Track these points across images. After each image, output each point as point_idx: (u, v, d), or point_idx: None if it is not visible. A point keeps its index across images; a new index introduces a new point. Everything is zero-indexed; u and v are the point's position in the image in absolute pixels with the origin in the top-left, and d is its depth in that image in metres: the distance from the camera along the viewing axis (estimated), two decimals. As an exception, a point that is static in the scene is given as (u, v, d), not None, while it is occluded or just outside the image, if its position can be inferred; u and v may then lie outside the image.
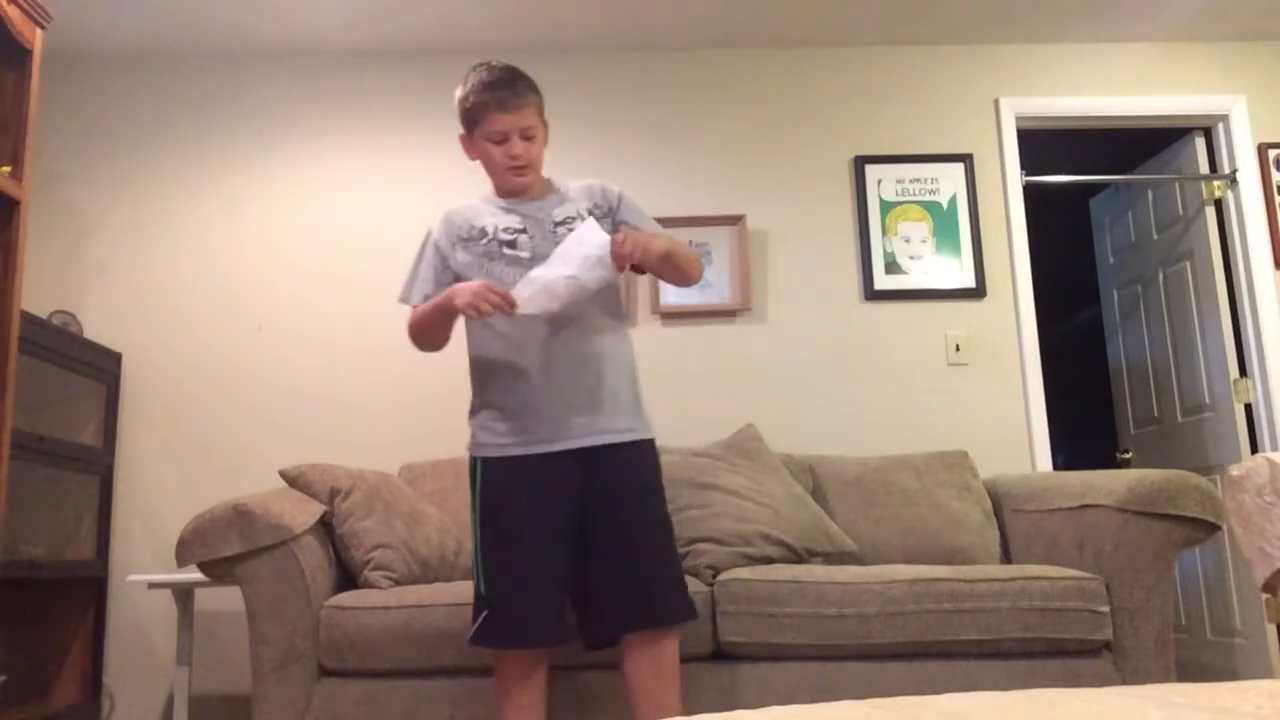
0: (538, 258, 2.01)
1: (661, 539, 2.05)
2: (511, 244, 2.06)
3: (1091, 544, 2.46)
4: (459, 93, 2.09)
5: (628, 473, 2.04)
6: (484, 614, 1.97)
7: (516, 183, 2.10)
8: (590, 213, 2.10)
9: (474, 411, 2.10)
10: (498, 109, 2.02)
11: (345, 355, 3.44)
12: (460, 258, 2.08)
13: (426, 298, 2.08)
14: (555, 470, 1.99)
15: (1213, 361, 3.78)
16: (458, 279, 2.05)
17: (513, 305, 1.90)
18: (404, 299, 2.14)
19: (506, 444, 2.01)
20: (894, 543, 2.85)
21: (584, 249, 1.92)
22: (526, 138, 2.06)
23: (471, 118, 2.06)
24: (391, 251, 3.51)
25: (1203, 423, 3.83)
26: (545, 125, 2.13)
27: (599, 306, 2.06)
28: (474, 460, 2.06)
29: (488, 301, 1.89)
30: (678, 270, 2.11)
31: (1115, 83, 3.72)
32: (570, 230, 2.05)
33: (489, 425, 2.04)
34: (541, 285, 1.91)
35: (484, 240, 2.07)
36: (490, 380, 2.06)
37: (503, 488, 2.01)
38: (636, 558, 1.99)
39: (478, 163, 2.14)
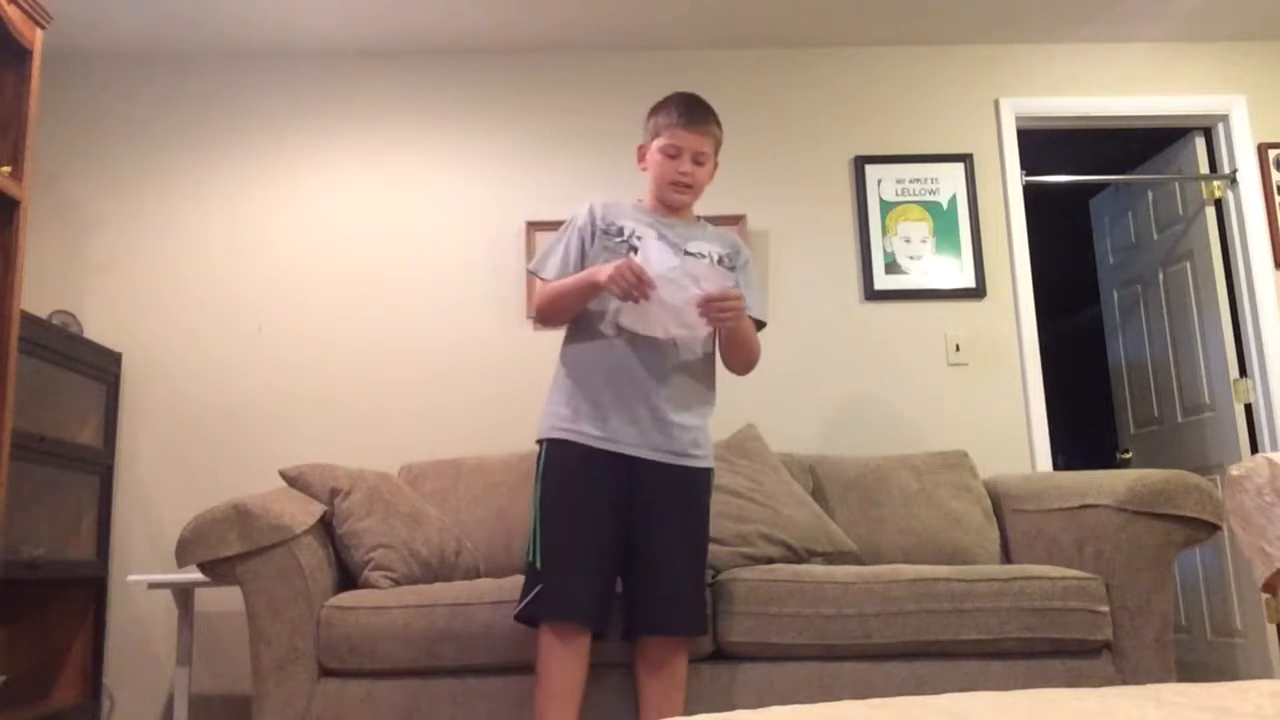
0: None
1: (692, 559, 2.15)
2: (638, 250, 2.14)
3: (1091, 544, 2.46)
4: (654, 109, 2.23)
5: (671, 491, 2.13)
6: (536, 589, 2.03)
7: (674, 198, 2.22)
8: (720, 258, 2.22)
9: (553, 391, 2.17)
10: (682, 126, 2.17)
11: (345, 355, 3.44)
12: (593, 248, 2.18)
13: (559, 276, 2.16)
14: (612, 467, 2.07)
15: (1213, 361, 3.78)
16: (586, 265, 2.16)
17: (649, 288, 1.97)
18: (537, 270, 2.22)
19: (567, 429, 2.10)
20: (894, 543, 2.85)
21: (703, 280, 2.00)
22: (698, 161, 2.19)
23: (656, 129, 2.21)
24: (392, 251, 3.53)
25: (1203, 423, 3.83)
26: (717, 163, 2.26)
27: (708, 355, 2.21)
28: (541, 441, 2.14)
29: (625, 279, 1.95)
30: (743, 356, 2.22)
31: (1115, 83, 3.72)
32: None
33: (558, 410, 2.13)
34: (677, 278, 1.98)
35: (617, 239, 2.17)
36: (575, 369, 2.14)
37: (565, 471, 2.09)
38: (665, 569, 2.09)
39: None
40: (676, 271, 1.99)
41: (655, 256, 2.02)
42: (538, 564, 2.05)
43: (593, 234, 2.19)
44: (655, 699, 2.09)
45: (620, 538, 2.08)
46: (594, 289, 2.05)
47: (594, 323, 2.14)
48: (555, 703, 2.00)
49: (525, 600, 2.06)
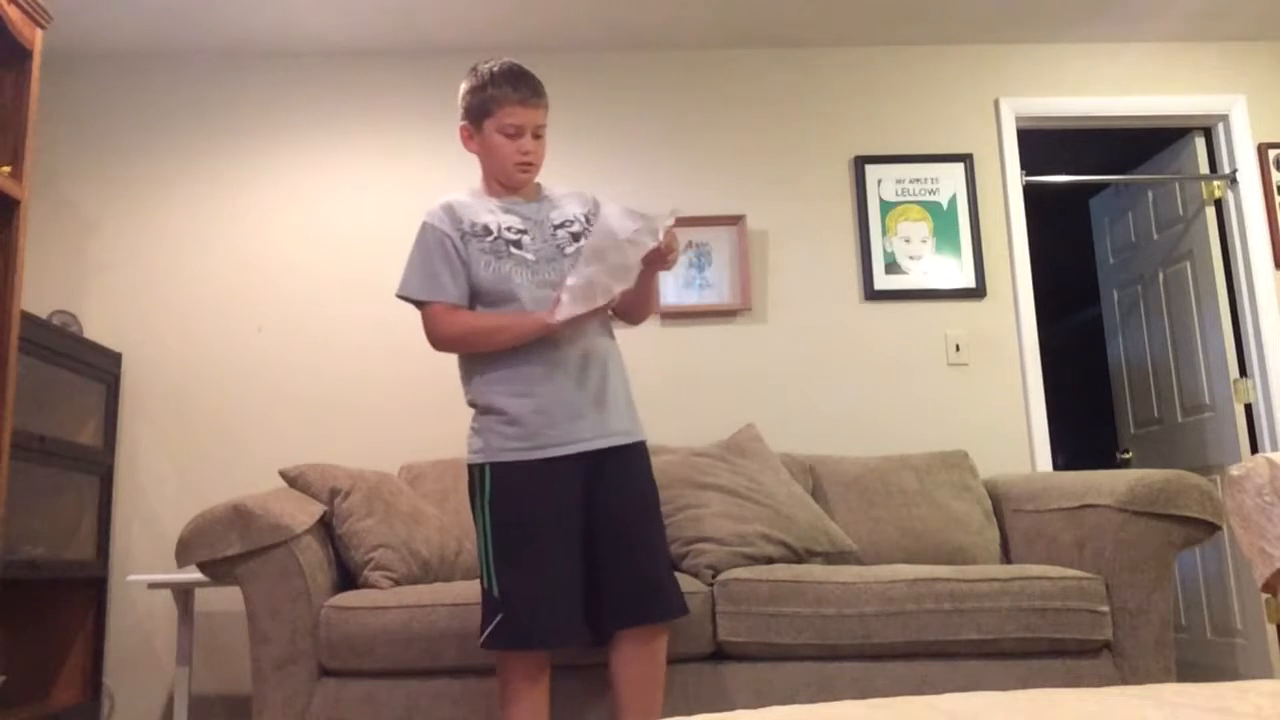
0: (541, 260, 2.05)
1: (659, 539, 2.09)
2: (517, 244, 2.06)
3: (1091, 544, 2.46)
4: (469, 83, 2.09)
5: (629, 475, 2.07)
6: (498, 617, 1.95)
7: (520, 179, 2.11)
8: (586, 217, 2.15)
9: (479, 414, 2.07)
10: (519, 103, 2.04)
11: (345, 355, 3.44)
12: (468, 253, 2.06)
13: (459, 294, 2.06)
14: (564, 473, 1.99)
15: (1213, 361, 3.78)
16: (468, 273, 2.06)
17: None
18: (429, 296, 2.06)
19: (517, 448, 2.00)
20: (894, 543, 2.85)
21: (615, 238, 1.91)
22: (537, 136, 2.09)
23: (484, 108, 2.06)
24: (392, 251, 3.52)
25: (1203, 423, 3.83)
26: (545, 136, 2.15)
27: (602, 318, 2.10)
28: (480, 466, 2.03)
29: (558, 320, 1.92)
30: (652, 303, 2.20)
31: (1115, 83, 3.72)
32: (570, 232, 2.09)
33: (497, 429, 2.02)
34: (583, 285, 1.91)
35: (489, 238, 2.06)
36: (498, 383, 2.04)
37: (514, 492, 1.99)
38: (638, 556, 2.02)
39: (477, 165, 2.15)
40: (641, 233, 1.90)
41: (618, 223, 1.90)
42: (495, 592, 1.96)
43: (461, 236, 2.06)
44: (641, 688, 2.01)
45: (580, 544, 1.99)
46: (544, 332, 1.96)
47: None
48: (530, 716, 1.97)
49: (488, 630, 1.96)
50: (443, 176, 3.56)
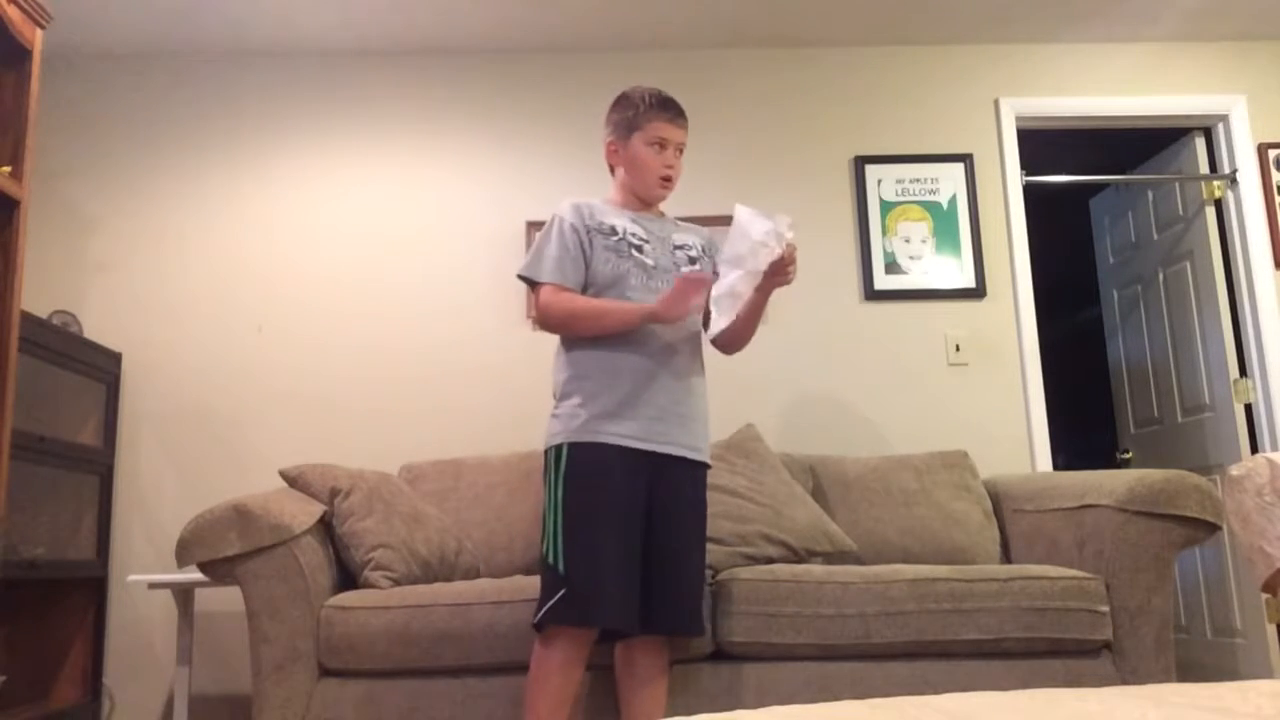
0: (660, 269, 2.17)
1: (698, 560, 2.17)
2: (639, 249, 2.17)
3: (1091, 544, 2.46)
4: (620, 104, 2.24)
5: (689, 489, 2.15)
6: (561, 593, 1.99)
7: (659, 193, 2.24)
8: (703, 248, 2.28)
9: (563, 400, 2.13)
10: (667, 120, 2.20)
11: (345, 356, 3.44)
12: (593, 249, 2.15)
13: (572, 278, 2.13)
14: (636, 467, 2.06)
15: (1213, 361, 3.78)
16: (587, 265, 2.15)
17: (704, 285, 1.99)
18: (538, 276, 2.15)
19: (599, 429, 2.06)
20: (894, 543, 2.85)
21: (749, 241, 1.97)
22: (679, 154, 2.23)
23: (634, 123, 2.20)
24: (392, 251, 3.52)
25: (1203, 423, 3.83)
26: None
27: (697, 332, 2.21)
28: (559, 446, 2.09)
29: (690, 299, 1.99)
30: (754, 328, 2.27)
31: (1115, 83, 3.72)
32: (689, 255, 2.23)
33: (580, 413, 2.08)
34: (727, 295, 1.99)
35: (614, 237, 2.16)
36: (594, 369, 2.11)
37: (589, 471, 2.05)
38: (683, 570, 2.10)
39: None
40: (771, 235, 1.97)
41: (749, 221, 1.98)
42: (560, 568, 2.00)
43: (587, 231, 2.16)
44: (648, 699, 2.09)
45: (640, 537, 2.07)
46: (651, 319, 2.05)
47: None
48: (556, 708, 1.99)
49: (549, 605, 2.00)
50: (444, 176, 3.56)
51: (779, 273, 2.06)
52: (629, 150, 2.21)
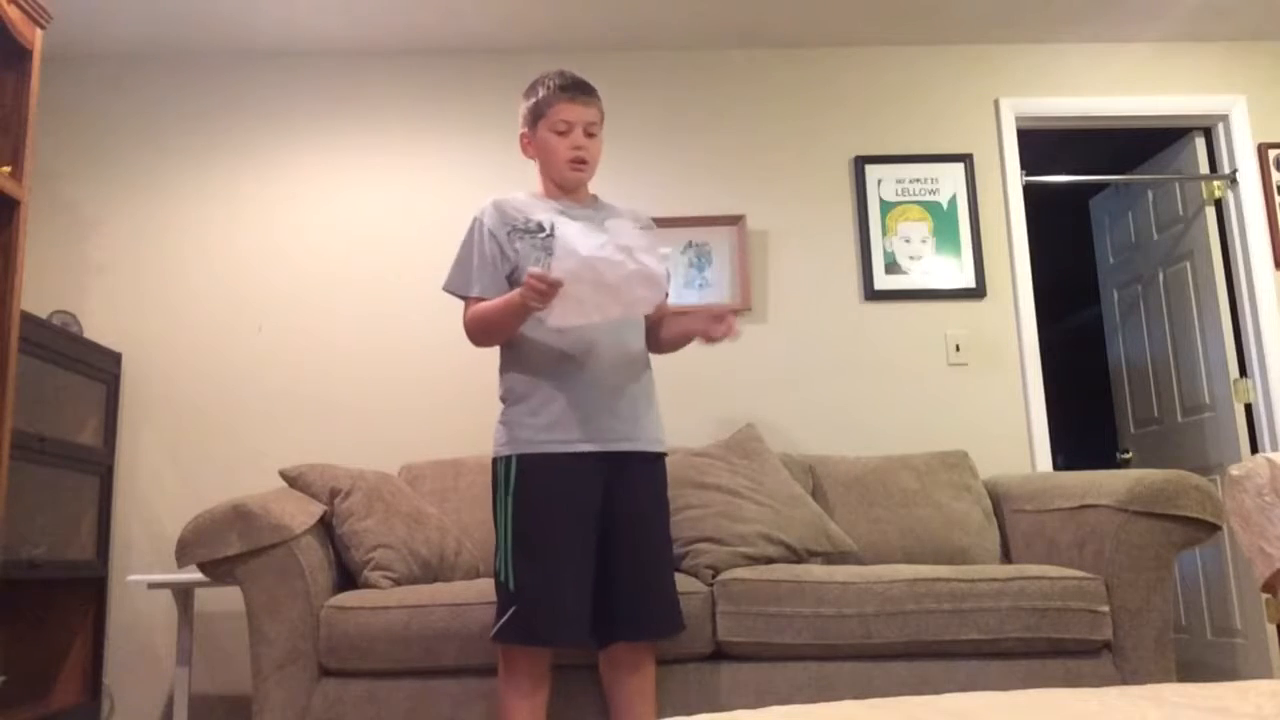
0: None
1: (668, 553, 2.13)
2: None
3: (1091, 544, 2.46)
4: (528, 93, 2.16)
5: (650, 484, 2.10)
6: (511, 610, 1.96)
7: (574, 176, 2.15)
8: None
9: (509, 407, 2.08)
10: (568, 100, 2.11)
11: (345, 355, 3.44)
12: (517, 247, 2.08)
13: (490, 289, 2.06)
14: (587, 471, 2.00)
15: (1213, 361, 3.78)
16: (514, 269, 2.07)
17: (557, 286, 1.83)
18: (460, 290, 2.10)
19: (545, 440, 2.00)
20: (894, 543, 2.85)
21: (636, 250, 1.87)
22: (589, 134, 2.14)
23: (539, 110, 2.13)
24: (392, 251, 3.52)
25: (1203, 423, 3.83)
26: (601, 139, 2.20)
27: (639, 323, 2.14)
28: (506, 458, 2.03)
29: (537, 290, 1.83)
30: (680, 346, 2.26)
31: (1115, 83, 3.72)
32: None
33: (525, 421, 2.03)
34: (610, 255, 1.85)
35: (541, 234, 2.07)
36: (532, 375, 2.05)
37: (537, 484, 2.00)
38: (648, 571, 2.05)
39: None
40: (607, 249, 1.86)
41: (579, 241, 1.87)
42: (510, 585, 1.97)
43: (508, 233, 2.08)
44: (638, 701, 2.06)
45: (593, 545, 2.00)
46: (524, 310, 1.93)
47: (537, 325, 2.02)
48: (530, 711, 1.98)
49: (501, 622, 1.97)
50: (443, 176, 3.56)
51: (717, 322, 2.02)
52: (538, 140, 2.14)
